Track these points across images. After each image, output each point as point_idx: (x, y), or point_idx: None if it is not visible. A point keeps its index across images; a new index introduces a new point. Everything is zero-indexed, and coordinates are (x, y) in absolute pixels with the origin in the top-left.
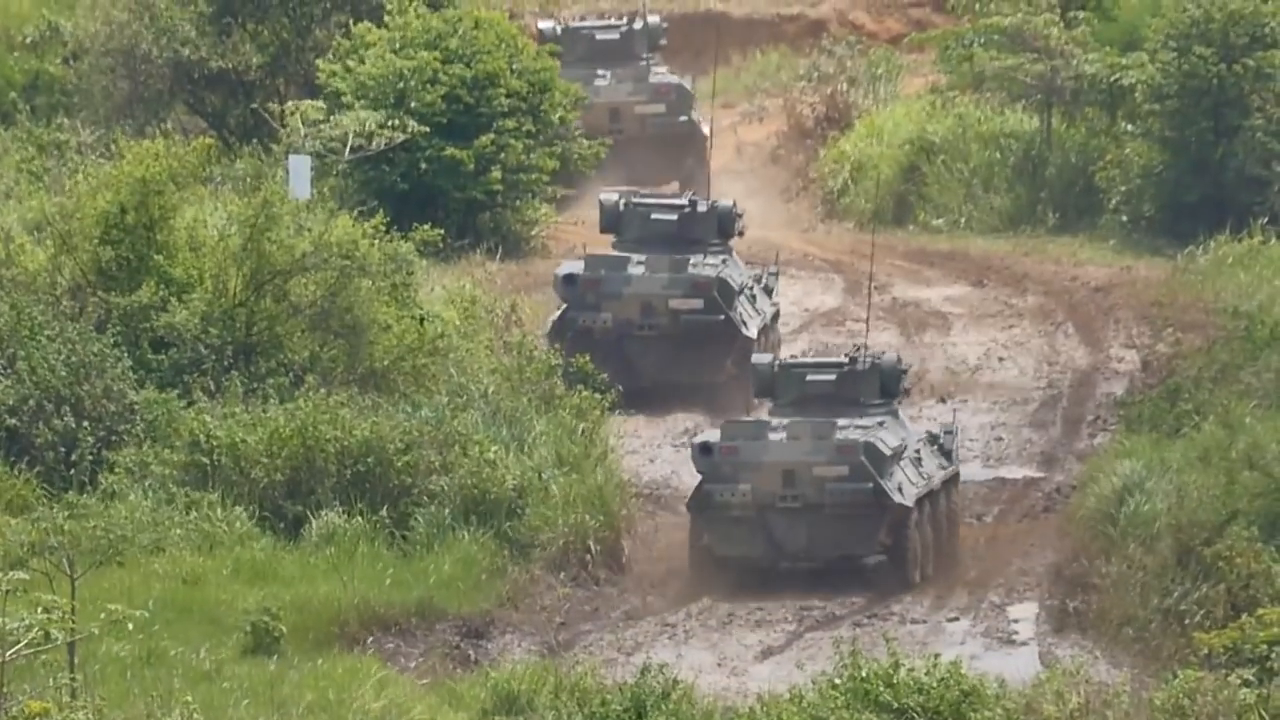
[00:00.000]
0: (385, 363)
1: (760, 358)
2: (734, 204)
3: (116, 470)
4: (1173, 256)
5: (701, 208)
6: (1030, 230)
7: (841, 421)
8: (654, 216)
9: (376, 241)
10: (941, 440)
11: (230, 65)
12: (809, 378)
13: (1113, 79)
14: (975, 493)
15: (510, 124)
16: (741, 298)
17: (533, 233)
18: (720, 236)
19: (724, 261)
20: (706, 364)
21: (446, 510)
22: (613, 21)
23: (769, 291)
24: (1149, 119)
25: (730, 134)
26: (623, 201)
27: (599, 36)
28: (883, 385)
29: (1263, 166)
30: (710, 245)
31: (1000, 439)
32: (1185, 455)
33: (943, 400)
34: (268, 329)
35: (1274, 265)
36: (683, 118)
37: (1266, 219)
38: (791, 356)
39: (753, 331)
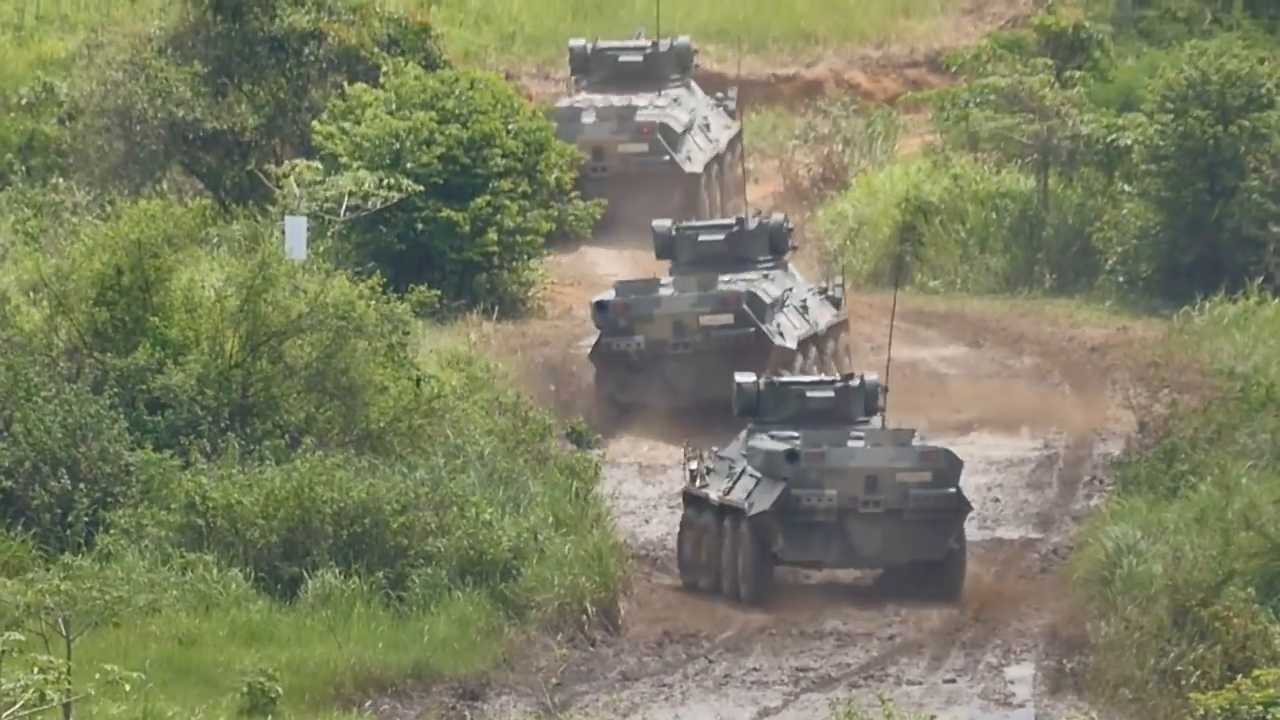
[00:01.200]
0: (381, 424)
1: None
2: (785, 219)
3: (112, 531)
4: (1169, 317)
5: (750, 225)
6: (1027, 291)
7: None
8: (702, 239)
9: (373, 302)
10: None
11: (226, 126)
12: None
13: (1109, 139)
14: (972, 553)
15: (506, 185)
16: (784, 309)
17: (529, 294)
18: (772, 253)
19: (766, 276)
20: None
21: (443, 571)
22: (640, 43)
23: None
24: (1145, 180)
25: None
26: (673, 228)
27: (623, 59)
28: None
29: (1259, 227)
30: (761, 262)
31: (997, 500)
32: (1182, 516)
33: None
34: (264, 390)
35: (1270, 326)
36: (665, 158)
37: (1262, 280)
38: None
39: (791, 342)
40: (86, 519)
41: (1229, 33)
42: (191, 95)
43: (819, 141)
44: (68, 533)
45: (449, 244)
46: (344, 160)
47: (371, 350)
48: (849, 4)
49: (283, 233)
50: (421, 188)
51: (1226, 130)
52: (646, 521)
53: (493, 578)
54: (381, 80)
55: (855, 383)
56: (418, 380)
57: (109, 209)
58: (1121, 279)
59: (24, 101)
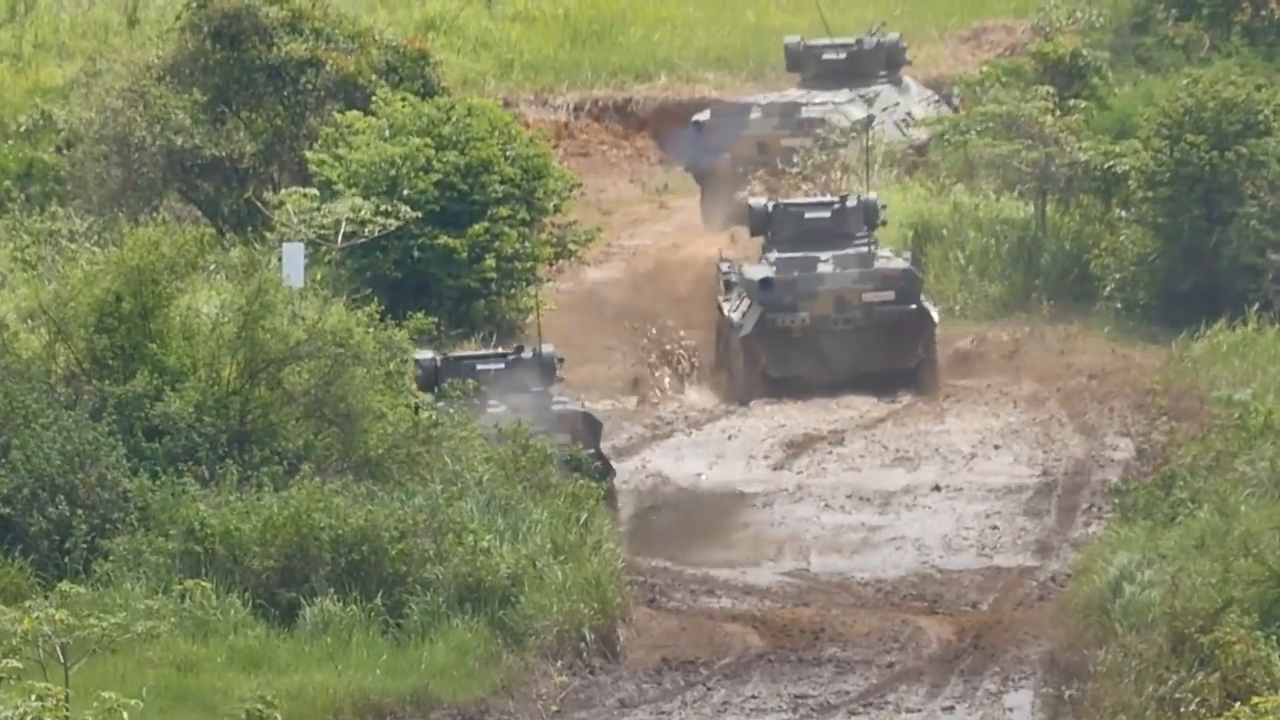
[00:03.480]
0: (379, 451)
1: (757, 200)
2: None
3: (110, 558)
4: (1167, 344)
5: (851, 203)
6: (1025, 317)
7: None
8: (808, 216)
9: (371, 330)
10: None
11: (224, 153)
12: (807, 215)
13: (1106, 166)
14: (970, 581)
15: (504, 211)
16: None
17: (528, 320)
18: (867, 227)
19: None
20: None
21: (441, 598)
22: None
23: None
24: (1142, 206)
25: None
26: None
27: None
28: (866, 219)
29: (1257, 254)
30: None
31: (995, 527)
32: (1180, 543)
33: (937, 489)
34: (262, 417)
35: (1268, 353)
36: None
37: (1260, 307)
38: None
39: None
40: (85, 546)
41: (1226, 60)
42: (190, 123)
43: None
44: (66, 559)
45: (446, 271)
46: (338, 187)
47: (369, 377)
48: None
49: (280, 260)
50: (419, 214)
51: (1224, 157)
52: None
53: (491, 605)
54: (373, 107)
55: (852, 202)
56: (416, 407)
57: (108, 236)
58: (1119, 306)
59: (22, 129)
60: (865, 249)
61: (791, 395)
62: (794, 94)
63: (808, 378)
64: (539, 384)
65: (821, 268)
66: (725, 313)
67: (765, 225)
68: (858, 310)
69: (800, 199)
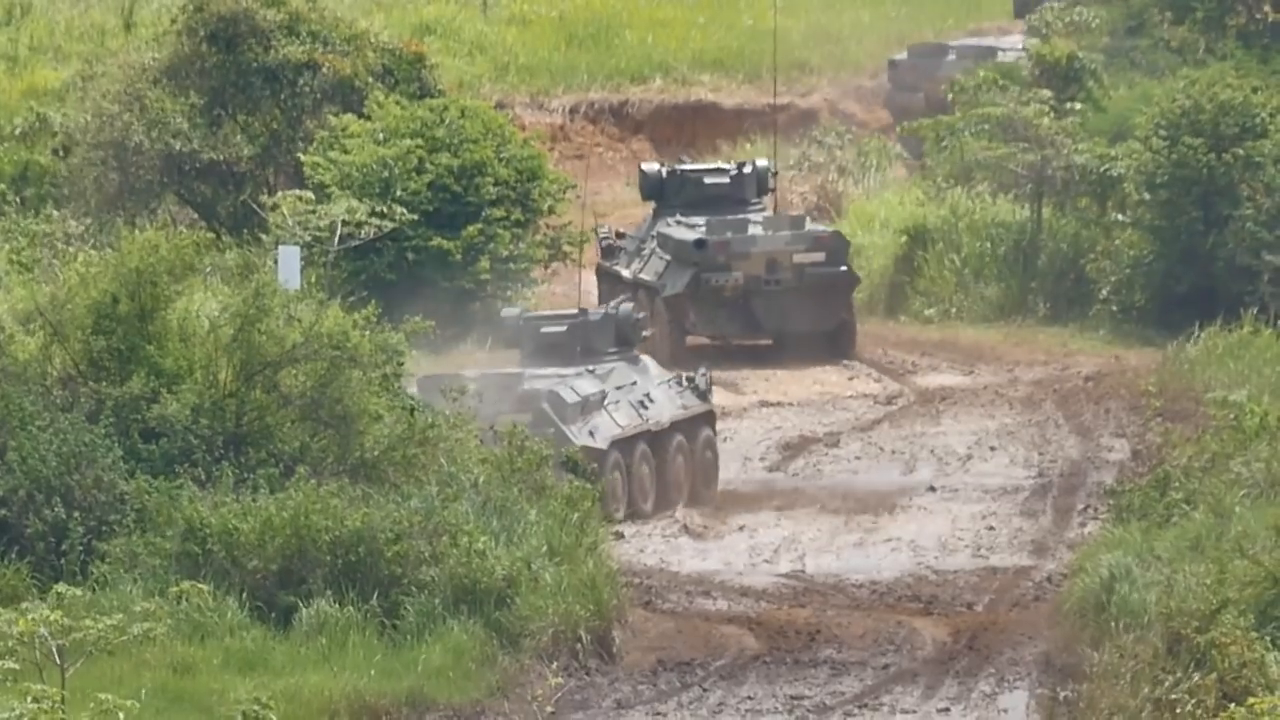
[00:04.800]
0: (376, 453)
1: (649, 165)
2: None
3: (107, 560)
4: (1163, 346)
5: (747, 169)
6: (1021, 320)
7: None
8: (708, 180)
9: (367, 332)
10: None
11: (221, 157)
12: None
13: (1102, 169)
14: (966, 582)
15: (499, 213)
16: None
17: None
18: (759, 196)
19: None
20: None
21: (437, 600)
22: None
23: None
24: (1139, 209)
25: None
26: (665, 170)
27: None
28: (759, 186)
29: (1253, 256)
30: (752, 204)
31: (991, 528)
32: (1176, 544)
33: (932, 489)
34: (258, 419)
35: (1264, 355)
36: None
37: (1257, 309)
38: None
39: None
40: (81, 547)
41: (1222, 62)
42: (187, 126)
43: (813, 171)
44: (62, 561)
45: (441, 273)
46: (332, 190)
47: (365, 380)
48: (843, 34)
49: (276, 262)
50: (414, 216)
51: (1220, 159)
52: (641, 551)
53: (487, 606)
54: (366, 111)
55: (748, 169)
56: (411, 409)
57: (107, 239)
58: (1115, 308)
59: (18, 131)
60: (798, 214)
61: (707, 359)
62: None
63: (731, 338)
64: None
65: (753, 229)
66: (630, 276)
67: (659, 190)
68: (789, 271)
69: (696, 165)
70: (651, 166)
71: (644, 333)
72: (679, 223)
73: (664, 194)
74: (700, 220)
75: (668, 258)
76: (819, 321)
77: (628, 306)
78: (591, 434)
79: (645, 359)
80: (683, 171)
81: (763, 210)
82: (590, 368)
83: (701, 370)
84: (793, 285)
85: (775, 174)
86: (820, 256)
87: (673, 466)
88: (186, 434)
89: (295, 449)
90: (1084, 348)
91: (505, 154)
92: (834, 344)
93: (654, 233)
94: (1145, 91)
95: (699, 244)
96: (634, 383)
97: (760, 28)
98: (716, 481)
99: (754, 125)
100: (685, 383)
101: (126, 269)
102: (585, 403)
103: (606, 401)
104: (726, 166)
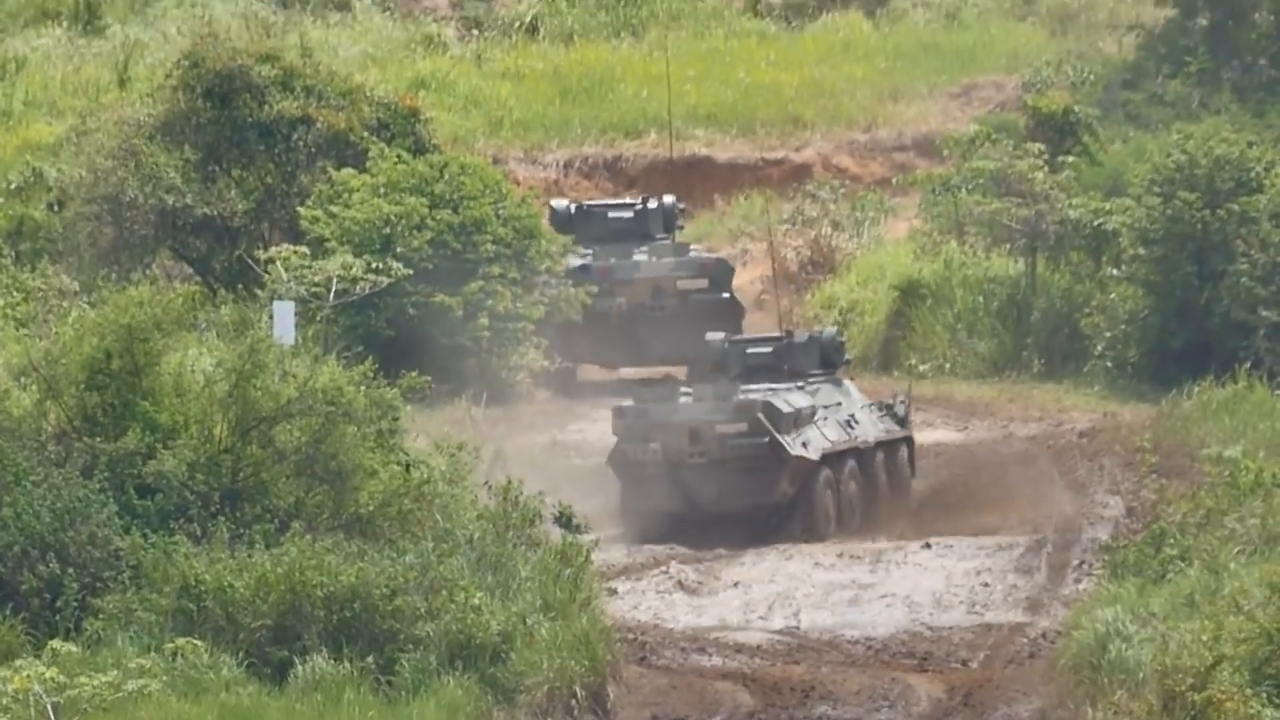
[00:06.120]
0: (371, 508)
1: (559, 201)
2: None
3: (102, 616)
4: (1158, 402)
5: (652, 204)
6: (1015, 375)
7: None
8: (611, 215)
9: (362, 388)
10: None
11: (215, 212)
12: (610, 215)
13: (1097, 224)
14: (961, 638)
15: (497, 270)
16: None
17: (518, 379)
18: (665, 232)
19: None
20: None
21: (432, 656)
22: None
23: None
24: (1133, 264)
25: None
26: (573, 206)
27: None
28: (665, 222)
29: (1247, 311)
30: (658, 238)
31: (986, 584)
32: (1171, 601)
33: (927, 545)
34: (253, 475)
35: (1259, 410)
36: None
37: (1251, 364)
38: None
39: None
40: (76, 604)
41: (1216, 116)
42: (181, 182)
43: (807, 225)
44: (57, 618)
45: (439, 329)
46: (331, 244)
47: (361, 435)
48: (837, 88)
49: (271, 317)
50: (411, 272)
51: (1215, 214)
52: (635, 606)
53: (482, 662)
54: (368, 165)
55: (654, 205)
56: (407, 465)
57: (95, 295)
58: (1110, 364)
59: (13, 186)
60: (683, 242)
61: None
62: None
63: (618, 365)
64: (662, 232)
65: (637, 256)
66: None
67: (568, 225)
68: (673, 298)
69: (603, 200)
70: (560, 203)
71: (845, 357)
72: (577, 254)
73: (573, 229)
74: (589, 250)
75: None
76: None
77: (831, 330)
78: (804, 445)
79: (847, 382)
80: (589, 207)
81: (666, 239)
82: (799, 385)
83: (900, 396)
84: (677, 311)
85: (683, 210)
86: (704, 283)
87: (877, 485)
88: (182, 489)
89: (290, 504)
90: (1078, 403)
91: (504, 212)
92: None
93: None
94: (1140, 145)
95: (583, 269)
96: (839, 403)
97: (754, 82)
98: (909, 497)
99: (748, 179)
100: (884, 408)
101: (117, 325)
102: (799, 415)
103: (816, 417)
104: (632, 202)
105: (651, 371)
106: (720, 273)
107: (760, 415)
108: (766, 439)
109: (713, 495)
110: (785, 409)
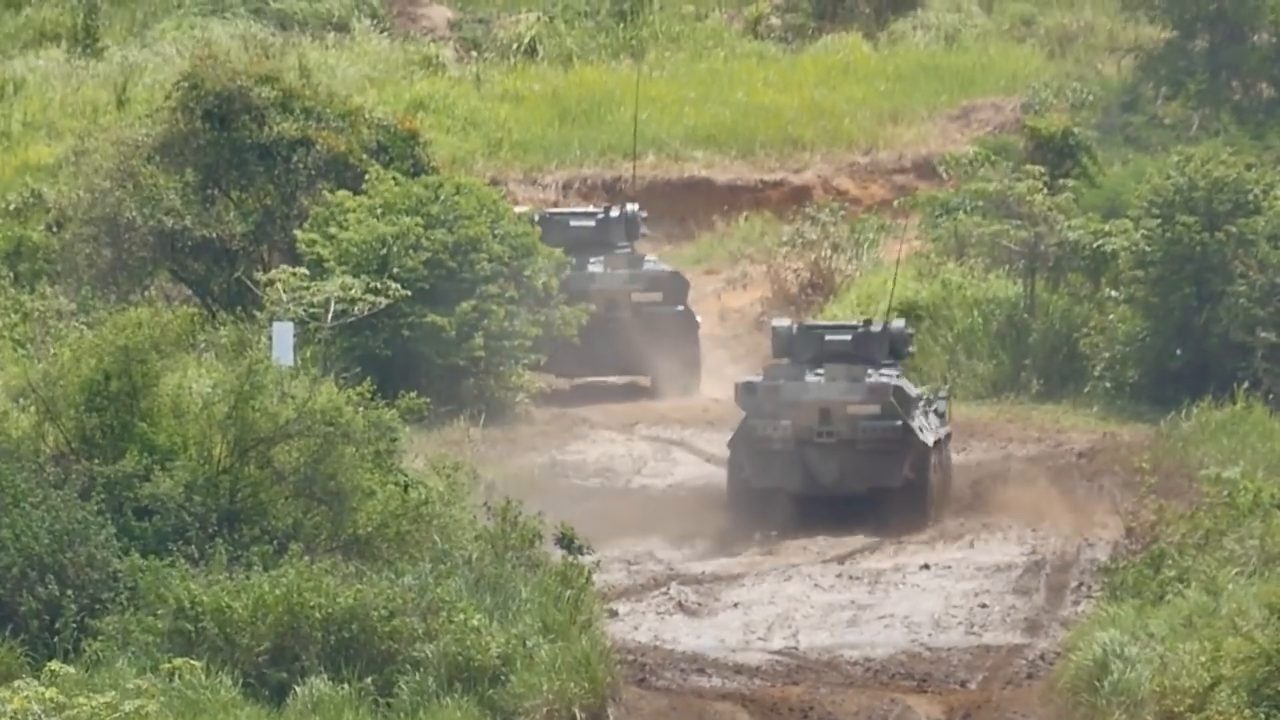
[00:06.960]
0: (369, 529)
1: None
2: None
3: (100, 637)
4: (1156, 423)
5: (614, 214)
6: (1014, 396)
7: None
8: (573, 224)
9: (361, 409)
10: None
11: (214, 233)
12: (572, 223)
13: (1096, 245)
14: (959, 659)
15: (493, 289)
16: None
17: (516, 399)
18: (628, 240)
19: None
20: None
21: (430, 677)
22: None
23: None
24: (1132, 285)
25: (714, 300)
26: (536, 215)
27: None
28: (628, 230)
29: (1246, 333)
30: (619, 247)
31: (985, 605)
32: (1169, 622)
33: (925, 566)
34: (251, 496)
35: (1257, 431)
36: None
37: (1250, 385)
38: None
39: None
40: (74, 625)
41: (1215, 139)
42: (180, 203)
43: (806, 247)
44: (55, 639)
45: (435, 349)
46: (329, 265)
47: (359, 456)
48: (837, 110)
49: (270, 339)
50: (408, 292)
51: (1214, 236)
52: (635, 628)
53: (481, 684)
54: (365, 187)
55: (616, 213)
56: (405, 486)
57: (91, 316)
58: (1109, 385)
59: (12, 207)
60: (633, 253)
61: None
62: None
63: (574, 376)
64: (624, 240)
65: (592, 268)
66: None
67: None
68: (627, 310)
69: (565, 209)
70: (523, 210)
71: (910, 349)
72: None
73: (544, 236)
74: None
75: None
76: (664, 360)
77: (900, 321)
78: (922, 431)
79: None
80: (552, 215)
81: (628, 248)
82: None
83: (941, 393)
84: (633, 325)
85: (645, 218)
86: (658, 296)
87: (948, 474)
88: (180, 511)
89: (288, 526)
90: (1077, 424)
91: (499, 231)
92: (678, 383)
93: None
94: (1139, 167)
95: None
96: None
97: (753, 103)
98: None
99: (748, 201)
100: (928, 403)
101: (115, 346)
102: (919, 400)
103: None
104: (595, 210)
105: (602, 382)
106: (675, 286)
107: (893, 399)
108: (899, 422)
109: (835, 475)
110: (913, 394)
